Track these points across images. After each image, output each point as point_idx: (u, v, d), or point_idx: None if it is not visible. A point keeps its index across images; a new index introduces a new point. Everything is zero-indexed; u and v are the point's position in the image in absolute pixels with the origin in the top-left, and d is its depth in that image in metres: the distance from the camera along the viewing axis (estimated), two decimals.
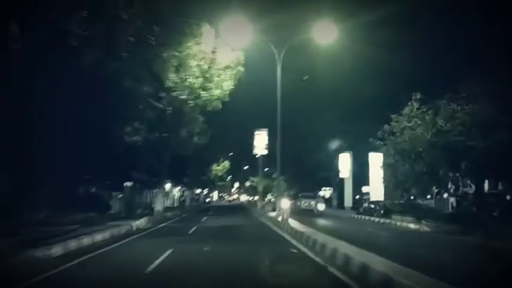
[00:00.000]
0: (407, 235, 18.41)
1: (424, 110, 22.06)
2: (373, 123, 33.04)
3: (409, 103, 22.84)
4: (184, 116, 22.81)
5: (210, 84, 20.91)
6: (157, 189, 24.81)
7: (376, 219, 26.11)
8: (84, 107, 17.57)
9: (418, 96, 22.44)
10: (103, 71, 16.00)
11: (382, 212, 28.13)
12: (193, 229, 17.49)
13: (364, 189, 46.56)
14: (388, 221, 24.65)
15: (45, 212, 18.22)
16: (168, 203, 49.47)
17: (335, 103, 38.33)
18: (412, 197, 32.34)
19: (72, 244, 10.90)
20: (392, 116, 23.36)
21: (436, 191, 31.76)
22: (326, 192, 54.44)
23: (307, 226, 15.67)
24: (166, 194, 49.95)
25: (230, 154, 55.63)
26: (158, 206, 23.29)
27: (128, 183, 31.40)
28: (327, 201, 45.36)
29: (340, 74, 32.58)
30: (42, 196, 19.69)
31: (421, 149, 21.08)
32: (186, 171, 39.50)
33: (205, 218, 25.89)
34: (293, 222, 17.56)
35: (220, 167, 56.38)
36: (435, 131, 20.16)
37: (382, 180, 30.34)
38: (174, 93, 20.94)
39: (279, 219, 19.75)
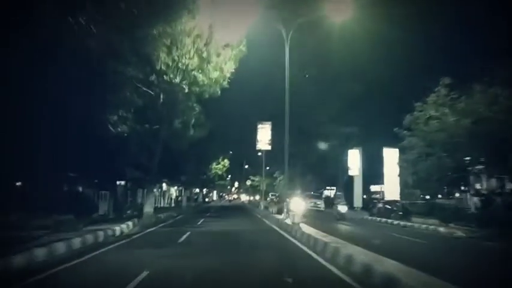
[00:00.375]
0: (448, 242, 15.47)
1: (455, 96, 19.14)
2: (384, 117, 30.38)
3: (436, 89, 19.95)
4: (178, 104, 19.96)
5: (207, 66, 18.10)
6: (147, 189, 21.80)
7: (395, 222, 23.27)
8: (57, 85, 14.78)
9: (447, 81, 19.55)
10: (72, 41, 13.08)
11: (400, 213, 25.27)
12: (185, 236, 14.48)
13: (373, 188, 43.87)
14: (409, 223, 21.92)
15: (14, 214, 15.65)
16: (164, 203, 46.96)
17: (342, 96, 35.57)
18: (427, 197, 29.71)
19: (17, 260, 8.03)
20: (416, 104, 20.51)
21: (446, 190, 29.16)
22: (331, 192, 51.73)
23: (324, 233, 12.82)
24: (163, 194, 47.45)
25: (230, 152, 53.07)
26: (148, 207, 20.35)
27: (122, 182, 28.77)
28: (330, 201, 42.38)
29: (350, 60, 29.81)
30: (15, 195, 17.59)
31: (457, 140, 18.01)
32: (183, 169, 36.83)
33: (202, 221, 23.00)
34: (306, 228, 14.81)
35: (220, 166, 53.87)
36: (475, 119, 17.12)
37: (398, 178, 27.52)
38: (166, 77, 18.16)
39: (288, 221, 17.24)
